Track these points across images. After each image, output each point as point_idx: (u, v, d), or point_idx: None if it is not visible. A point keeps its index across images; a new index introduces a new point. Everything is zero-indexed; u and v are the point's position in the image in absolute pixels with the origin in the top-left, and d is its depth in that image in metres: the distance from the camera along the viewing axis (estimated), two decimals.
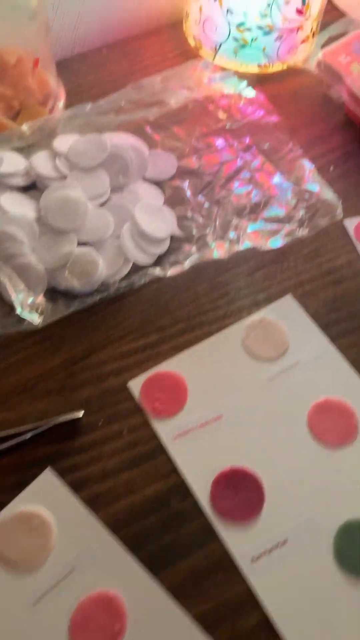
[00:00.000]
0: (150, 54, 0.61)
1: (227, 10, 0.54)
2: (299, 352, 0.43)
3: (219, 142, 0.52)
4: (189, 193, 0.50)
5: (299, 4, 0.54)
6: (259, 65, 0.59)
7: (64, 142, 0.50)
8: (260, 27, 0.55)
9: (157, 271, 0.45)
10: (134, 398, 0.41)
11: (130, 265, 0.45)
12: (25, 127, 0.51)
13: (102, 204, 0.48)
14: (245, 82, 0.54)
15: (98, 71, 0.59)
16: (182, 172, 0.51)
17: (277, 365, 0.43)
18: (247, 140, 0.52)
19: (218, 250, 0.46)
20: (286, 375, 0.42)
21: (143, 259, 0.46)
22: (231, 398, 0.41)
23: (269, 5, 0.53)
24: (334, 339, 0.44)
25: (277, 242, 0.46)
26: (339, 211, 0.47)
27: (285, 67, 0.60)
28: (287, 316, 0.45)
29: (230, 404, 0.41)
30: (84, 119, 0.51)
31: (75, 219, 0.46)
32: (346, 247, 0.49)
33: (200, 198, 0.50)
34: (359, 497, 0.38)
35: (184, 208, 0.49)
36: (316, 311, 0.45)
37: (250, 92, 0.54)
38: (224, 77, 0.54)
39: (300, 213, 0.48)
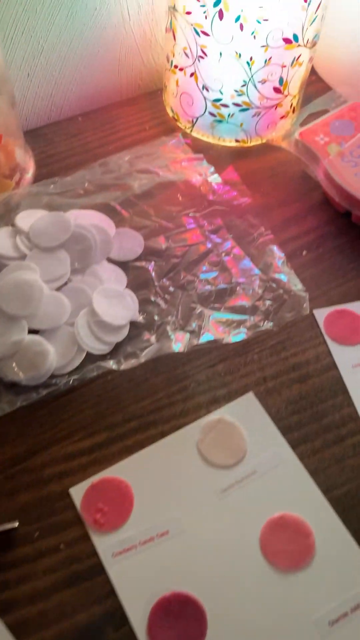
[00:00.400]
0: (127, 124, 0.60)
1: (203, 87, 0.53)
2: (256, 460, 0.40)
3: (189, 222, 0.51)
4: (154, 275, 0.48)
5: (276, 83, 0.52)
6: (237, 140, 0.57)
7: (27, 219, 0.49)
8: (236, 104, 0.54)
9: (111, 364, 0.42)
10: (75, 507, 0.38)
11: (84, 355, 0.43)
12: None
13: (60, 287, 0.46)
14: (212, 169, 0.53)
15: (72, 141, 0.58)
16: (149, 253, 0.49)
17: (232, 474, 0.40)
18: (218, 221, 0.51)
19: (177, 343, 0.43)
20: (241, 486, 0.39)
21: (99, 348, 0.43)
22: (180, 511, 0.38)
23: (245, 83, 0.52)
24: (295, 445, 0.41)
25: (239, 337, 0.44)
26: (306, 305, 0.45)
27: (264, 141, 0.58)
28: (247, 417, 0.42)
29: (179, 518, 0.38)
30: (49, 197, 0.49)
31: (29, 305, 0.44)
32: (314, 340, 0.46)
33: (165, 281, 0.48)
34: (311, 633, 0.34)
35: (148, 291, 0.47)
36: (278, 412, 0.43)
37: (216, 179, 0.52)
38: (193, 162, 0.52)
39: (267, 304, 0.46)
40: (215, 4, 0.46)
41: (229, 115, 0.55)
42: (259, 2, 0.45)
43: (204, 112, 0.55)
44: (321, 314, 0.47)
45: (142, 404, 0.43)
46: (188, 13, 0.49)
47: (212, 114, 0.55)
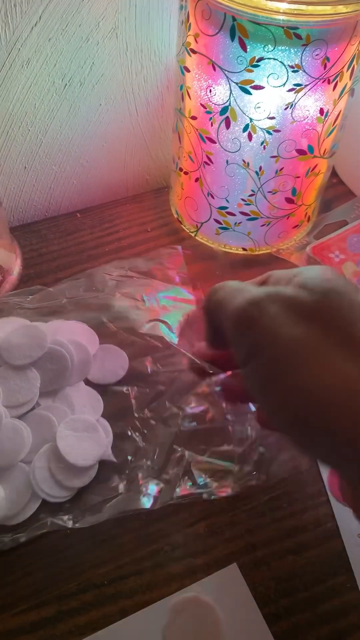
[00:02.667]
0: (129, 223, 0.55)
1: (208, 193, 0.49)
2: None
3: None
4: (134, 404, 0.42)
5: (288, 194, 0.47)
6: (244, 249, 0.52)
7: (1, 328, 0.44)
8: (244, 213, 0.49)
9: (67, 520, 0.36)
10: None
11: (39, 503, 0.37)
12: None
13: (24, 415, 0.40)
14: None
15: (67, 239, 0.53)
16: (133, 376, 0.44)
17: None
18: None
19: (148, 497, 0.37)
20: None
21: (57, 496, 0.37)
22: None
23: (253, 193, 0.47)
24: None
25: (223, 492, 0.37)
26: (305, 462, 0.38)
27: (275, 249, 0.53)
28: (226, 597, 0.35)
29: None
30: (24, 310, 0.44)
31: None
32: (316, 499, 0.39)
33: (147, 412, 0.42)
34: None
35: (125, 423, 0.41)
36: (265, 592, 0.35)
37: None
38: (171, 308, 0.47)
39: (259, 451, 0.39)
40: (222, 112, 0.42)
41: (235, 223, 0.50)
42: (270, 112, 0.41)
43: (209, 218, 0.51)
44: (326, 467, 0.40)
45: (102, 569, 0.36)
46: (193, 118, 0.45)
47: (217, 221, 0.50)
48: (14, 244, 0.51)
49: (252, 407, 0.41)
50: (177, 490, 0.37)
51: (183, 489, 0.37)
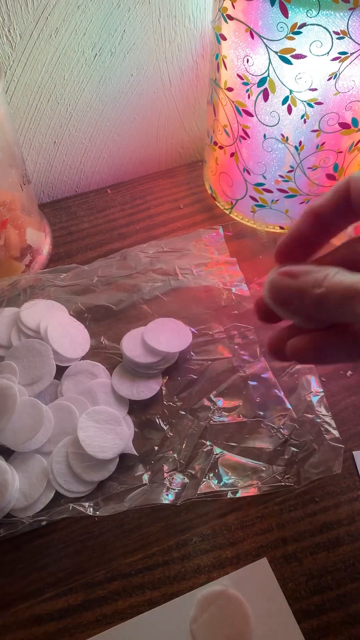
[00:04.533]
0: (160, 200, 0.53)
1: (244, 169, 0.46)
2: None
3: (217, 331, 0.43)
4: (164, 391, 0.41)
5: (330, 170, 0.45)
6: (281, 227, 0.50)
7: (34, 313, 0.43)
8: (282, 190, 0.46)
9: (87, 507, 0.35)
10: None
11: (53, 494, 0.36)
12: None
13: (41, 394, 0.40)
14: (241, 277, 0.45)
15: (97, 217, 0.52)
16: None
17: None
18: (251, 335, 0.43)
19: (170, 493, 0.36)
20: None
21: (74, 491, 0.36)
22: None
23: (292, 169, 0.44)
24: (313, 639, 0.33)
25: (249, 493, 0.36)
26: (339, 462, 0.36)
27: None
28: (256, 592, 0.34)
29: None
30: (54, 288, 0.43)
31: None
32: (351, 492, 0.38)
33: (176, 401, 0.40)
34: None
35: (154, 410, 0.40)
36: (296, 588, 0.34)
37: (244, 289, 0.44)
38: (224, 265, 0.45)
39: (291, 451, 0.37)
40: (260, 83, 0.40)
41: (272, 200, 0.47)
42: (311, 83, 0.38)
43: (244, 195, 0.48)
44: None
45: (130, 558, 0.35)
46: (229, 89, 0.42)
47: (253, 198, 0.48)
48: (44, 222, 0.50)
49: (288, 405, 0.39)
50: (201, 486, 0.36)
51: (207, 485, 0.36)
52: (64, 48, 0.45)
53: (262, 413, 0.39)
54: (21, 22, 0.42)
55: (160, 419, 0.40)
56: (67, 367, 0.41)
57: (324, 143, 0.42)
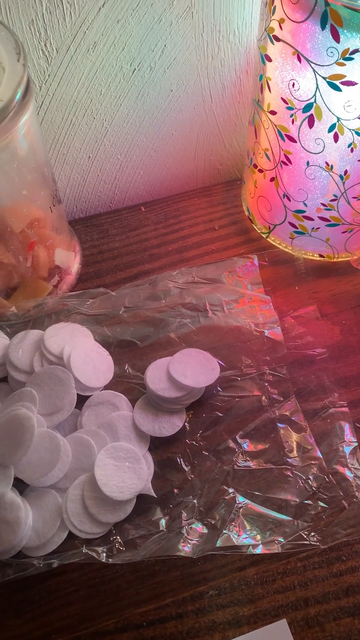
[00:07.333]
0: (195, 220, 0.51)
1: (284, 195, 0.44)
2: None
3: (246, 364, 0.41)
4: (187, 428, 0.39)
5: None
6: (321, 255, 0.47)
7: (58, 338, 0.42)
8: (323, 219, 0.44)
9: (101, 553, 0.34)
10: None
11: (65, 535, 0.35)
12: (13, 309, 0.43)
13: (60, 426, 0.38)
14: (275, 318, 0.42)
15: (129, 235, 0.50)
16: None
17: None
18: (283, 372, 0.41)
19: (186, 545, 0.34)
20: None
21: (88, 532, 0.35)
22: None
23: (335, 198, 0.42)
24: None
25: (269, 551, 0.34)
26: None
27: (356, 257, 0.48)
28: None
29: None
30: (80, 316, 0.42)
31: (16, 450, 0.36)
32: None
33: (199, 440, 0.38)
34: None
35: (175, 448, 0.38)
36: None
37: (277, 332, 0.42)
38: (257, 303, 0.42)
39: (318, 506, 0.35)
40: (306, 109, 0.37)
41: (312, 228, 0.45)
42: None
43: (283, 221, 0.46)
44: None
45: (143, 608, 0.34)
46: (272, 113, 0.40)
47: (292, 225, 0.46)
48: (74, 241, 0.48)
49: (319, 453, 0.37)
50: (220, 540, 0.34)
51: (227, 539, 0.34)
52: (102, 63, 0.43)
53: (289, 460, 0.37)
54: (58, 36, 0.41)
55: (181, 459, 0.38)
56: (89, 396, 0.40)
57: None
